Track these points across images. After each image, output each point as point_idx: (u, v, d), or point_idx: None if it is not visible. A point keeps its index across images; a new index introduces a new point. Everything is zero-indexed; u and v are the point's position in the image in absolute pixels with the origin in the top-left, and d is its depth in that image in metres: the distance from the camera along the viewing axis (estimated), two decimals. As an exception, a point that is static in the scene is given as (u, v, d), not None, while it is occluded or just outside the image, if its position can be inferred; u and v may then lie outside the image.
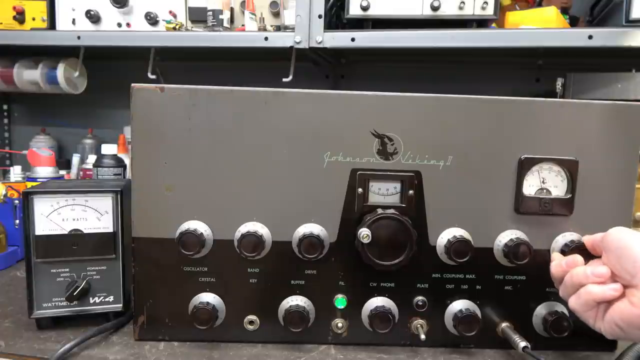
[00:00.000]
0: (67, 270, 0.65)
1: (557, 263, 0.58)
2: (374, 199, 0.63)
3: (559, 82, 1.02)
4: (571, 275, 0.55)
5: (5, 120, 1.59)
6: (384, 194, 0.63)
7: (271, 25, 1.11)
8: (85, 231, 0.65)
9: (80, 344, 0.60)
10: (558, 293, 0.58)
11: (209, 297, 0.63)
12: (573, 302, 0.54)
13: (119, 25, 1.16)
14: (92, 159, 1.23)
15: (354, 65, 1.39)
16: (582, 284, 0.53)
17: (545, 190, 0.63)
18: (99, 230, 0.66)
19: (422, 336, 0.62)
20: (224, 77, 1.42)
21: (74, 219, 0.65)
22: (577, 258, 0.56)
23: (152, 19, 1.13)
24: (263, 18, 1.11)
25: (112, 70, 1.44)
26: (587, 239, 0.59)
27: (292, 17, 1.04)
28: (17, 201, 0.94)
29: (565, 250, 0.61)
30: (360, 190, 0.62)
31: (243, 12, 1.11)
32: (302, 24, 1.02)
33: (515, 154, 0.62)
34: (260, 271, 0.64)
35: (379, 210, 0.61)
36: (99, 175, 1.03)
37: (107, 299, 0.67)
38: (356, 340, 0.65)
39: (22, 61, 1.30)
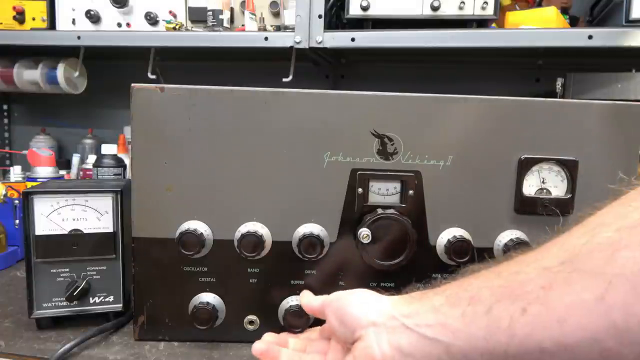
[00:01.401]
0: (67, 270, 0.65)
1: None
2: (374, 199, 0.63)
3: (559, 82, 1.02)
4: None
5: (5, 120, 1.59)
6: (384, 194, 0.63)
7: (271, 25, 1.11)
8: (85, 231, 0.65)
9: (80, 344, 0.60)
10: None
11: (209, 297, 0.63)
12: None
13: (119, 25, 1.16)
14: (92, 159, 1.23)
15: (354, 65, 1.39)
16: None
17: (545, 190, 0.63)
18: (99, 230, 0.66)
19: (422, 336, 0.62)
20: (224, 77, 1.42)
21: (74, 219, 0.65)
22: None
23: (152, 19, 1.13)
24: (263, 18, 1.11)
25: (112, 70, 1.44)
26: (307, 305, 0.57)
27: (292, 17, 1.04)
28: (17, 201, 0.94)
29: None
30: (360, 190, 0.62)
31: (243, 12, 1.11)
32: (302, 24, 1.02)
33: (515, 154, 0.62)
34: (260, 271, 0.64)
35: (379, 210, 0.61)
36: (99, 175, 1.03)
37: (107, 299, 0.67)
38: (356, 340, 0.65)
39: (22, 61, 1.30)
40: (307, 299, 0.57)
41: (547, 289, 0.35)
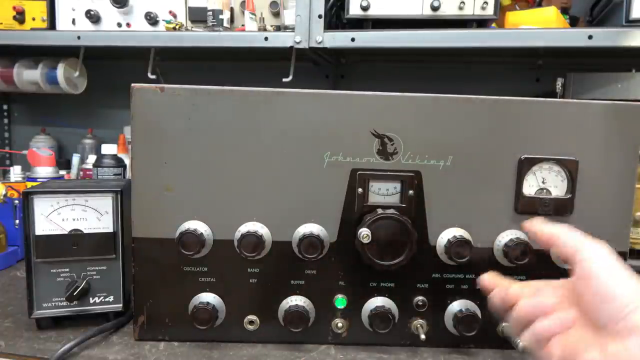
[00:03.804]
0: (67, 270, 0.65)
1: (499, 291, 0.48)
2: (374, 199, 0.63)
3: (559, 82, 1.02)
4: (518, 309, 0.45)
5: (5, 120, 1.59)
6: (384, 194, 0.63)
7: (271, 25, 1.11)
8: (85, 231, 0.65)
9: (80, 344, 0.60)
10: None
11: (209, 297, 0.63)
12: (526, 339, 0.44)
13: (119, 25, 1.16)
14: (92, 159, 1.23)
15: (354, 65, 1.39)
16: (531, 319, 0.44)
17: (545, 190, 0.63)
18: (99, 230, 0.66)
19: (422, 336, 0.62)
20: (224, 77, 1.42)
21: (74, 219, 0.65)
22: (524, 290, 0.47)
23: (152, 19, 1.13)
24: (263, 18, 1.11)
25: (112, 70, 1.44)
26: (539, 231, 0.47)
27: (292, 17, 1.04)
28: (17, 201, 0.94)
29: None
30: (360, 190, 0.62)
31: (243, 12, 1.11)
32: (302, 24, 1.02)
33: (515, 154, 0.62)
34: (260, 271, 0.64)
35: (379, 210, 0.61)
36: (99, 175, 1.03)
37: (107, 299, 0.67)
38: (356, 340, 0.65)
39: (22, 61, 1.30)
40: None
41: None
